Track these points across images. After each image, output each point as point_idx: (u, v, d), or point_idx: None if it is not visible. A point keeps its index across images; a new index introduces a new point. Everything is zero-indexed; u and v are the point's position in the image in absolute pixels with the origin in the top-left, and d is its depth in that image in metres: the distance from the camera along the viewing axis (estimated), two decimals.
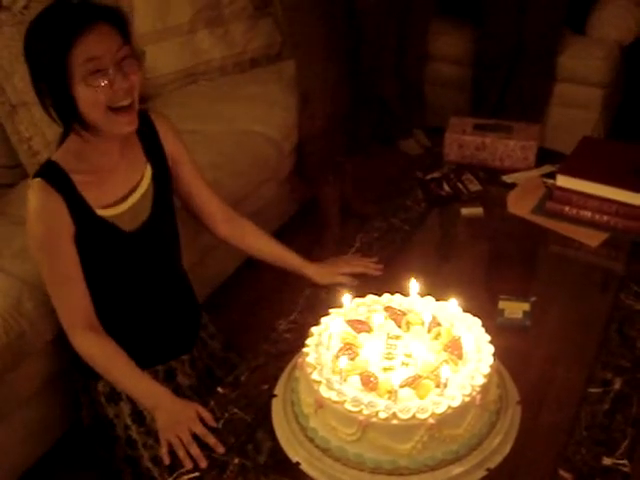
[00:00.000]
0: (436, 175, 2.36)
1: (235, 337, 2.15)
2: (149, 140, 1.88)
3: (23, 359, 1.99)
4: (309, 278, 1.99)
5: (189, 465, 1.49)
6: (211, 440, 1.53)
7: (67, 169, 1.72)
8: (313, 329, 1.55)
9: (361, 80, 3.05)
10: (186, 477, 1.46)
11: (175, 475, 1.47)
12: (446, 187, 2.30)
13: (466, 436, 1.40)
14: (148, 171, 1.86)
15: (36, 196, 1.70)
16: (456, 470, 1.39)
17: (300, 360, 1.51)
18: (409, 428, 1.34)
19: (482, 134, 2.45)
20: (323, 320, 1.57)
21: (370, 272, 1.97)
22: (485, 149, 2.43)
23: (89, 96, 1.62)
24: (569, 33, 3.55)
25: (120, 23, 1.67)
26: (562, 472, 1.42)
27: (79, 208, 1.72)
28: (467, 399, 1.37)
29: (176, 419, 1.59)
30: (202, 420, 1.58)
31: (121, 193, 1.81)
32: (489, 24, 3.53)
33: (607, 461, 1.44)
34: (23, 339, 1.96)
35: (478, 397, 1.39)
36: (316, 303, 1.86)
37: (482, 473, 1.40)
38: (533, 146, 2.40)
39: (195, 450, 1.52)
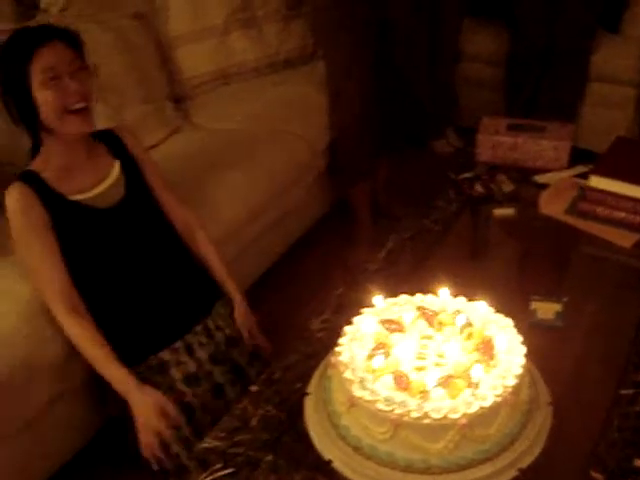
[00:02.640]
0: (468, 175, 2.36)
1: (268, 334, 2.17)
2: (116, 147, 2.13)
3: (62, 354, 2.03)
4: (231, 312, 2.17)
5: (155, 467, 1.88)
6: (167, 436, 1.88)
7: (37, 171, 1.98)
8: (346, 328, 1.56)
9: (393, 80, 3.05)
10: (220, 474, 1.48)
11: (209, 472, 1.49)
12: (478, 187, 2.30)
13: (497, 436, 1.40)
14: (116, 166, 2.10)
15: (11, 195, 1.94)
16: (487, 470, 1.39)
17: (333, 359, 1.52)
18: (441, 428, 1.35)
19: (515, 134, 2.45)
20: (355, 319, 1.58)
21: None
22: (518, 149, 2.43)
23: (47, 100, 1.89)
24: (602, 32, 3.52)
25: (72, 41, 1.97)
26: (594, 473, 1.42)
27: (51, 198, 1.96)
28: (499, 399, 1.37)
29: (145, 415, 1.88)
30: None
31: (89, 182, 2.04)
32: (522, 24, 3.51)
33: (639, 462, 1.43)
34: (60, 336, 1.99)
35: (510, 397, 1.39)
36: (348, 302, 1.87)
37: (513, 473, 1.40)
38: (566, 146, 2.39)
39: (158, 453, 1.88)
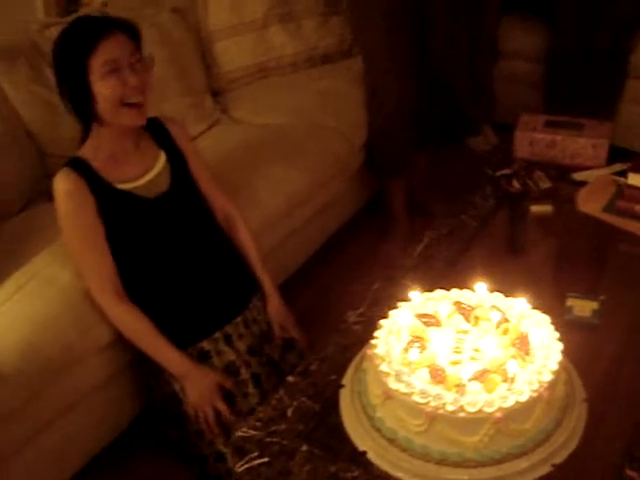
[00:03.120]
0: (506, 172, 2.36)
1: (304, 327, 2.19)
2: (161, 137, 2.15)
3: (104, 342, 2.06)
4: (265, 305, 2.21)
5: (209, 436, 1.95)
6: (225, 411, 1.96)
7: (86, 158, 2.00)
8: (382, 321, 1.57)
9: (431, 76, 3.05)
10: (256, 462, 1.50)
11: (245, 460, 1.51)
12: (516, 184, 2.30)
13: (532, 431, 1.41)
14: (162, 156, 2.12)
15: (59, 180, 1.96)
16: (522, 465, 1.40)
17: (369, 352, 1.54)
18: (476, 421, 1.36)
19: (553, 131, 2.45)
20: (392, 313, 1.59)
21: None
22: (556, 146, 2.42)
23: (106, 92, 1.89)
24: None
25: (133, 33, 1.97)
26: (629, 471, 1.42)
27: (98, 185, 1.97)
28: (534, 395, 1.38)
29: (201, 393, 1.96)
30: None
31: (137, 172, 2.06)
32: (562, 21, 3.49)
33: None
34: (103, 323, 2.03)
35: (545, 393, 1.40)
36: (384, 297, 1.88)
37: (548, 469, 1.40)
38: (604, 144, 2.38)
39: (214, 427, 1.96)
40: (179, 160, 2.14)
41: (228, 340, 2.07)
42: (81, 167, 1.97)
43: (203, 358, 2.04)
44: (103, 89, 1.89)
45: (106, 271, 1.97)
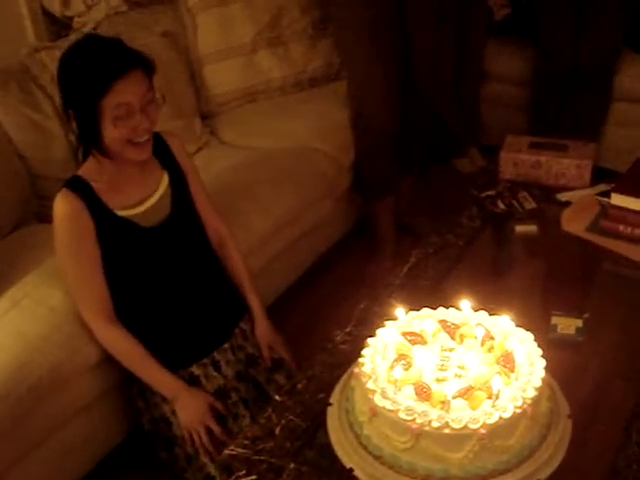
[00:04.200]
0: (491, 193, 2.38)
1: (292, 346, 2.20)
2: (163, 154, 2.10)
3: (92, 362, 2.07)
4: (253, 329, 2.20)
5: (204, 457, 1.94)
6: (217, 431, 1.95)
7: (88, 179, 1.95)
8: (369, 340, 1.58)
9: (417, 97, 3.08)
10: None
11: (233, 478, 1.52)
12: (501, 204, 2.33)
13: (517, 447, 1.42)
14: (165, 178, 2.08)
15: (60, 202, 1.92)
16: None
17: (356, 370, 1.55)
18: (461, 437, 1.37)
19: (537, 152, 2.47)
20: (378, 331, 1.61)
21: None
22: (540, 167, 2.45)
23: (115, 134, 1.84)
24: (628, 52, 3.53)
25: (150, 69, 1.90)
26: None
27: (99, 210, 1.94)
28: (518, 411, 1.40)
29: (193, 413, 1.96)
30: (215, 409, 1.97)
31: (139, 197, 2.02)
32: (546, 43, 3.53)
33: None
34: (91, 343, 2.04)
35: (529, 409, 1.41)
36: (371, 316, 1.90)
37: None
38: (588, 165, 2.41)
39: (209, 446, 1.94)
40: (181, 180, 2.12)
41: (216, 366, 2.08)
42: (81, 188, 1.93)
43: (193, 382, 2.04)
44: (112, 131, 1.84)
45: (99, 296, 1.96)
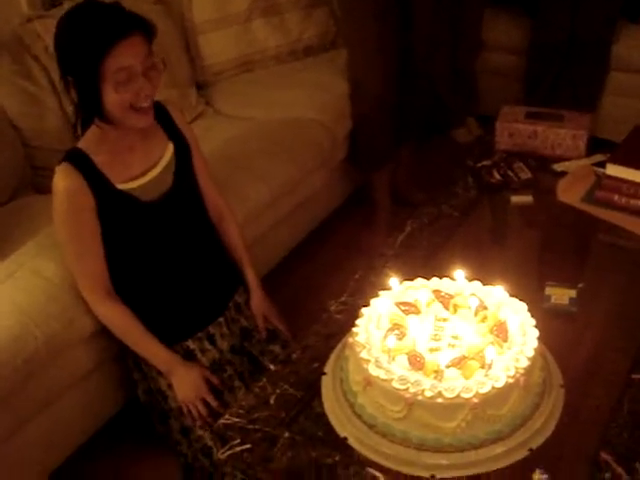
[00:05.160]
0: (487, 163, 2.38)
1: (287, 317, 2.21)
2: (166, 124, 2.05)
3: (87, 333, 2.08)
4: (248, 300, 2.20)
5: (201, 430, 1.94)
6: (214, 403, 1.96)
7: (88, 152, 1.90)
8: (363, 310, 1.59)
9: (414, 68, 3.07)
10: (238, 448, 1.53)
11: (228, 446, 1.53)
12: (496, 175, 2.32)
13: (509, 416, 1.43)
14: (170, 148, 2.04)
15: (60, 177, 1.88)
16: (499, 449, 1.43)
17: (350, 339, 1.56)
18: (454, 407, 1.38)
19: (533, 122, 2.47)
20: (372, 301, 1.61)
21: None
22: (536, 137, 2.45)
23: (116, 99, 1.79)
24: (624, 22, 3.51)
25: (150, 33, 1.84)
26: (603, 454, 1.45)
27: (99, 184, 1.90)
28: (511, 380, 1.41)
29: (189, 387, 1.96)
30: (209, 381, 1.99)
31: (141, 168, 1.98)
32: (543, 13, 3.52)
33: None
34: (86, 314, 2.04)
35: (522, 379, 1.42)
36: (366, 286, 1.90)
37: (524, 453, 1.43)
38: (584, 135, 2.41)
39: (207, 418, 1.94)
40: (184, 151, 2.08)
41: (211, 340, 2.08)
42: (81, 162, 1.89)
43: (189, 356, 2.05)
44: (114, 96, 1.78)
45: (97, 271, 1.96)
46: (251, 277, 2.21)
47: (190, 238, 2.08)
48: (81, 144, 1.92)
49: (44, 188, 2.55)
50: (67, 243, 1.95)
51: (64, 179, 1.87)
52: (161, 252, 2.03)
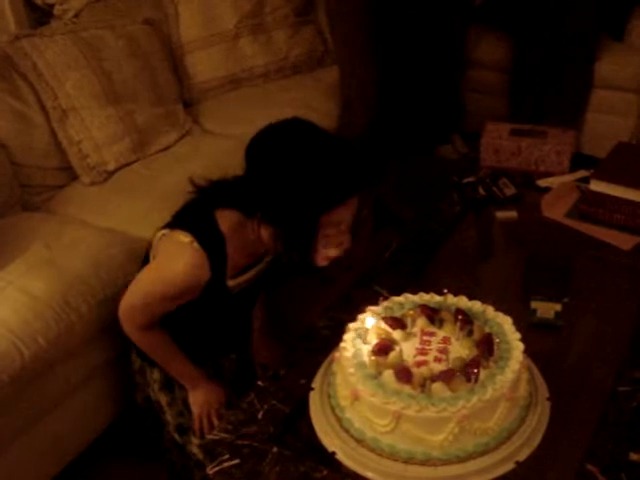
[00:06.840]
0: (472, 179, 2.40)
1: (273, 332, 2.22)
2: None
3: (74, 349, 2.08)
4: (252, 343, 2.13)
5: (198, 434, 1.92)
6: (216, 423, 1.87)
7: (225, 236, 1.69)
8: (350, 325, 1.60)
9: (400, 86, 3.10)
10: (227, 464, 1.52)
11: (216, 462, 1.53)
12: (481, 191, 2.34)
13: (496, 429, 1.44)
14: None
15: (191, 253, 1.66)
16: (486, 462, 1.43)
17: (337, 354, 1.57)
18: (441, 420, 1.39)
19: (518, 139, 2.49)
20: (359, 317, 1.62)
21: None
22: (521, 154, 2.47)
23: (319, 249, 1.65)
24: (607, 40, 3.56)
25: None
26: (589, 466, 1.46)
27: (216, 277, 1.72)
28: (497, 394, 1.42)
29: (207, 399, 1.92)
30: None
31: (245, 263, 1.81)
32: (526, 32, 3.55)
33: (633, 456, 1.47)
34: (73, 331, 2.05)
35: (508, 392, 1.43)
36: (352, 302, 1.90)
37: (511, 466, 1.44)
38: (567, 151, 2.43)
39: (207, 434, 1.83)
40: None
41: (218, 372, 2.04)
42: (215, 247, 1.69)
43: (217, 370, 2.02)
44: (317, 247, 1.64)
45: (155, 318, 1.82)
46: (263, 321, 2.16)
47: (247, 312, 2.05)
48: (223, 225, 1.70)
49: (32, 206, 2.57)
50: (149, 291, 1.77)
51: (192, 257, 1.66)
52: (220, 322, 1.96)
